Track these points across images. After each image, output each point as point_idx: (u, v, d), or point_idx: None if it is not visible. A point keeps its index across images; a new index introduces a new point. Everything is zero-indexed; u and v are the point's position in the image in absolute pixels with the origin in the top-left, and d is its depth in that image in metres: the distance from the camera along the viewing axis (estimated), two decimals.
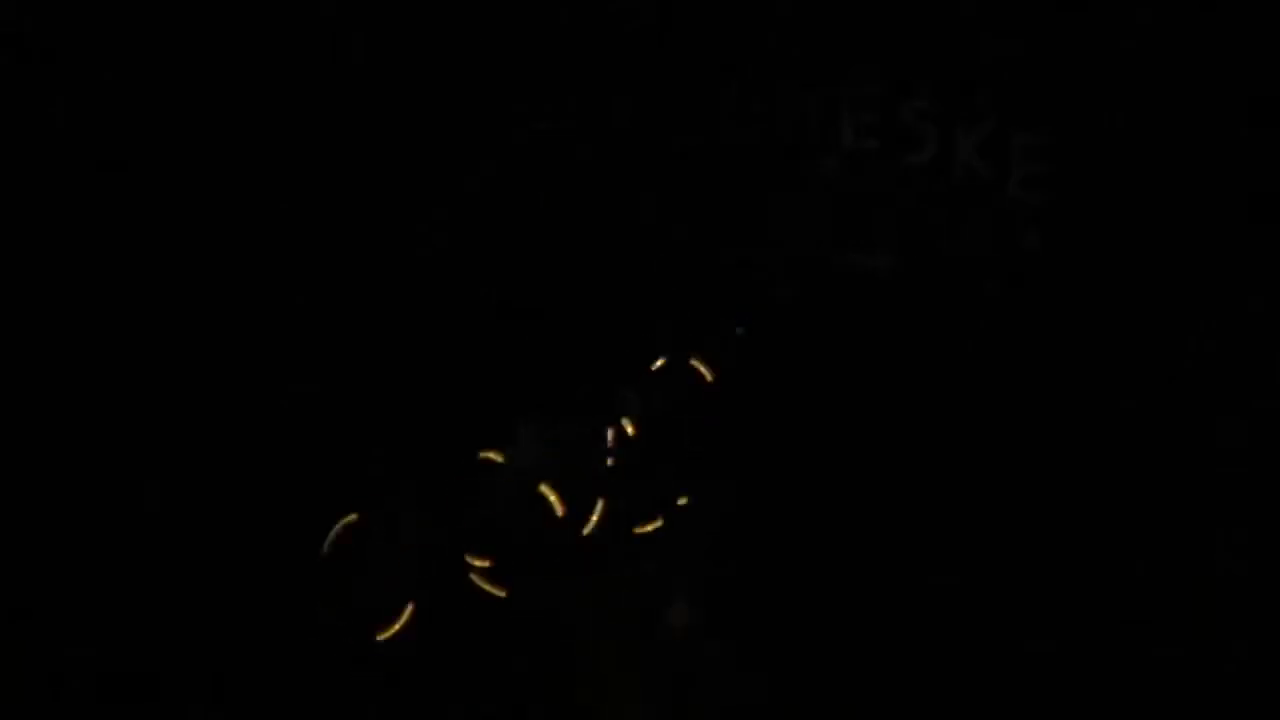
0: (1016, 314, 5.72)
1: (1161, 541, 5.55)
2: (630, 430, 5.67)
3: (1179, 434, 5.63)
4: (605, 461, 5.65)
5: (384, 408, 5.63)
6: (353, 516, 5.47)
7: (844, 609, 5.57)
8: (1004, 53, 5.76)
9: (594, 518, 5.63)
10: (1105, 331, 5.69)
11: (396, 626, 5.43)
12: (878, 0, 5.77)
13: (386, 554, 5.45)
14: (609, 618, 5.62)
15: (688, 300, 5.76)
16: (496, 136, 5.74)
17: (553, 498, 5.59)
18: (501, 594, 5.55)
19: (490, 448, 5.60)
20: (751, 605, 5.71)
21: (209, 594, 5.44)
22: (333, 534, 5.43)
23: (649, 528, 5.64)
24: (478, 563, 5.53)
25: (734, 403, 5.74)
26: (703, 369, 5.74)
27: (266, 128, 5.65)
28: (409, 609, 5.45)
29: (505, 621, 5.53)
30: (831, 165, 5.76)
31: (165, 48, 5.60)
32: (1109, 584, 5.53)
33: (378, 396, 5.63)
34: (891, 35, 5.76)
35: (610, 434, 5.66)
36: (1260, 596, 5.47)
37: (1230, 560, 5.52)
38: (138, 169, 5.59)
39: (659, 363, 5.74)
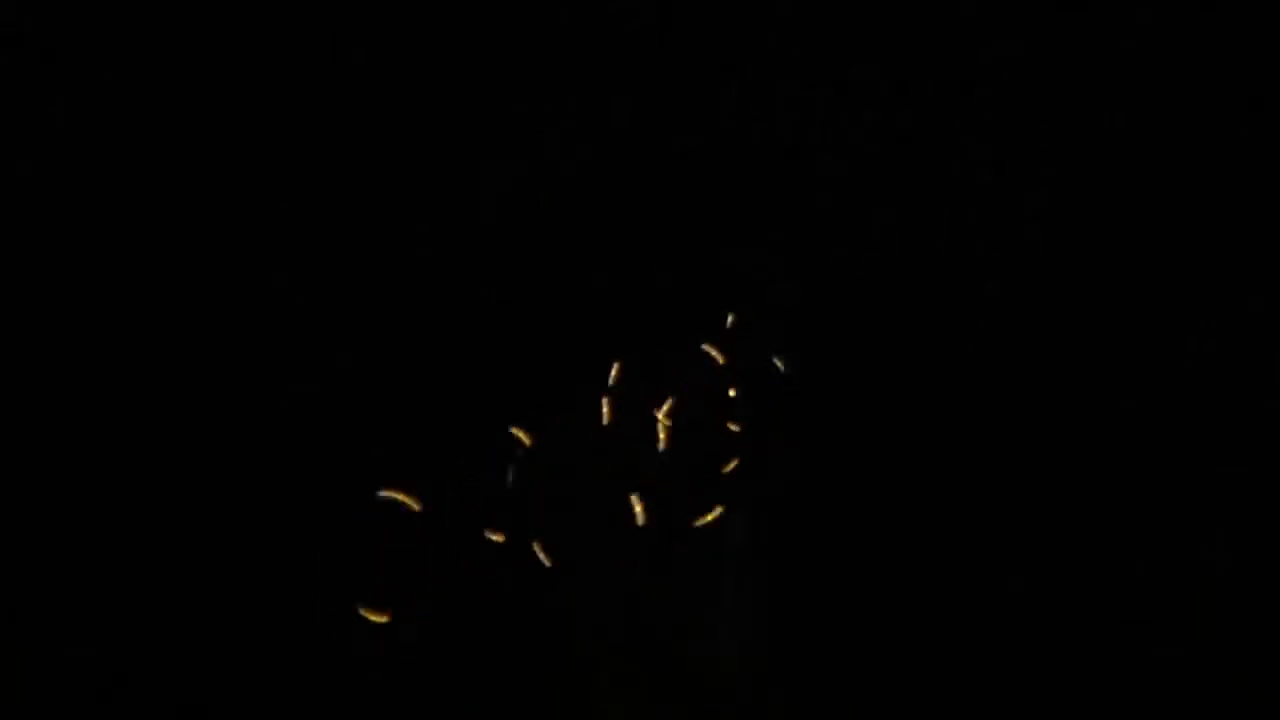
0: (1016, 314, 5.72)
1: (1161, 541, 5.55)
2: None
3: (1179, 434, 5.63)
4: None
5: (384, 407, 5.63)
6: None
7: (842, 605, 5.58)
8: (1004, 53, 5.76)
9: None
10: (1105, 331, 5.69)
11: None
12: (878, 0, 5.78)
13: (391, 550, 5.46)
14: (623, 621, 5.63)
15: (688, 300, 5.76)
16: (496, 136, 5.74)
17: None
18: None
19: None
20: (754, 602, 5.71)
21: (210, 594, 5.44)
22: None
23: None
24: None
25: (735, 403, 5.74)
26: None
27: (265, 128, 5.65)
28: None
29: (517, 620, 5.55)
30: (832, 165, 5.76)
31: (165, 48, 5.61)
32: (1109, 584, 5.53)
33: (378, 396, 5.64)
34: (891, 35, 5.77)
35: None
36: (1260, 596, 5.47)
37: (1230, 560, 5.52)
38: (138, 169, 5.59)
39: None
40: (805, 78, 5.76)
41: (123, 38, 5.57)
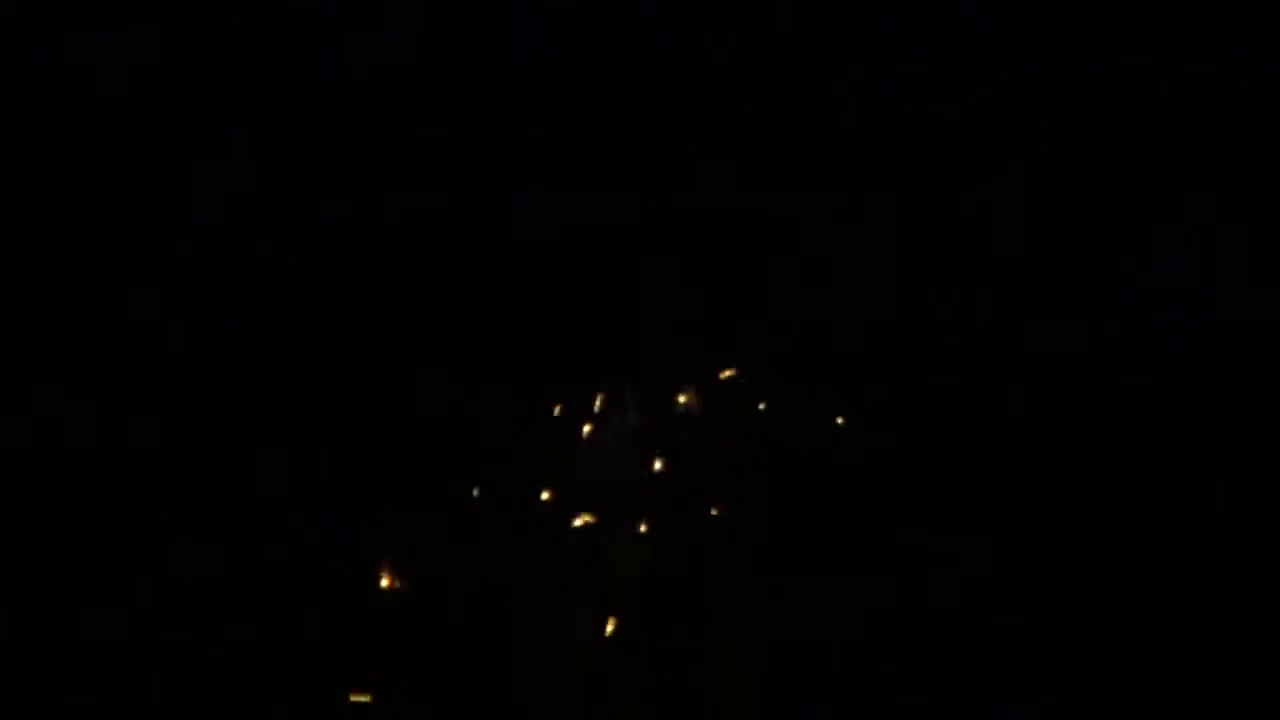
0: (1015, 314, 5.75)
1: (1162, 541, 5.56)
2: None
3: (1177, 434, 5.64)
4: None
5: (381, 410, 5.64)
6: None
7: (839, 601, 5.58)
8: (1003, 55, 5.79)
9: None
10: (1104, 331, 5.71)
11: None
12: (877, 3, 5.80)
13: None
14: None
15: (686, 302, 5.78)
16: (497, 136, 5.76)
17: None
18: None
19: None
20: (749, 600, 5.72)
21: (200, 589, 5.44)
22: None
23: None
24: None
25: (734, 401, 5.76)
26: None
27: (264, 128, 5.66)
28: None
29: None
30: (830, 164, 5.79)
31: (167, 49, 5.62)
32: (1109, 584, 5.54)
33: (375, 397, 5.64)
34: (891, 37, 5.79)
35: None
36: (1260, 596, 5.48)
37: (1230, 560, 5.52)
38: (139, 170, 5.61)
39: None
40: (807, 78, 5.79)
41: (124, 37, 5.59)
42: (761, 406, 5.75)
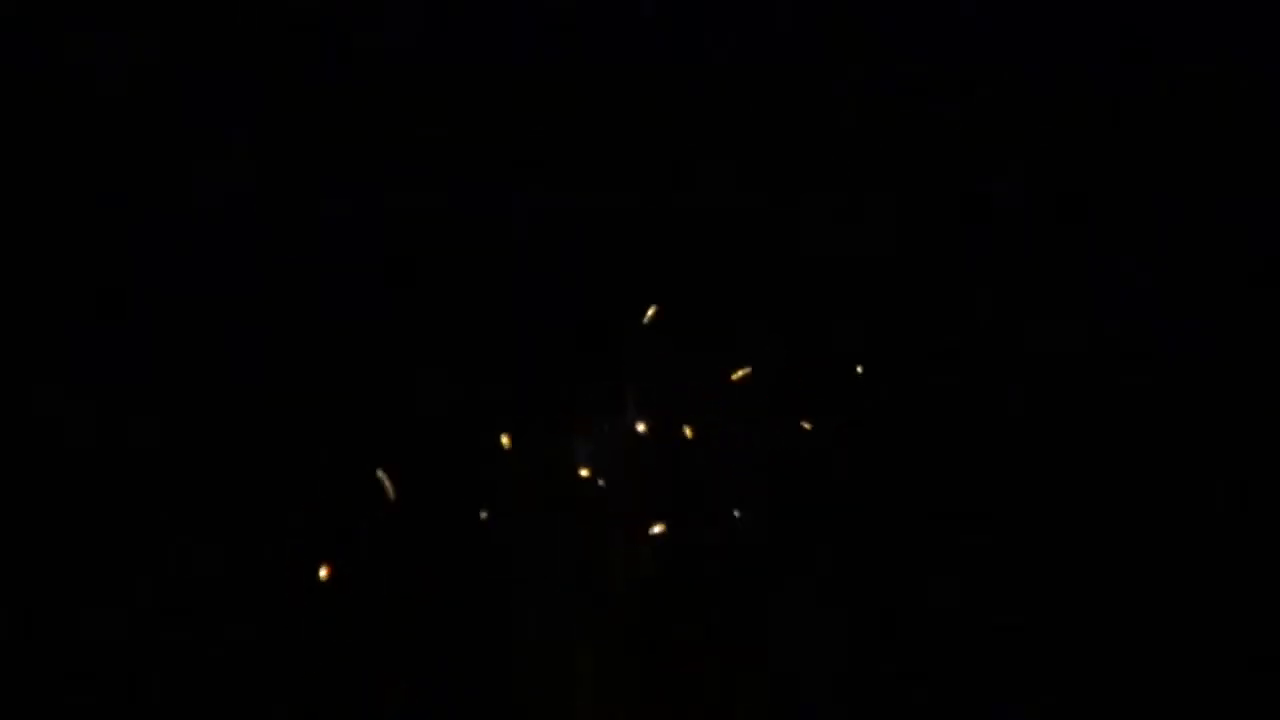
0: (1015, 314, 5.73)
1: (1162, 541, 5.55)
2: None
3: (1177, 434, 5.63)
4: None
5: (379, 415, 5.63)
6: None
7: (840, 602, 5.58)
8: (1003, 55, 5.78)
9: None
10: (1104, 331, 5.70)
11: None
12: (877, 3, 5.79)
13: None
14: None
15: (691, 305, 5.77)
16: (498, 139, 5.74)
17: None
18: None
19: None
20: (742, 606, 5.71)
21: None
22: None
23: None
24: None
25: (729, 402, 5.75)
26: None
27: (266, 127, 5.65)
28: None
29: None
30: (830, 164, 5.77)
31: (167, 49, 5.61)
32: (1109, 583, 5.53)
33: (379, 401, 5.63)
34: (891, 37, 5.78)
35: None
36: (1260, 596, 5.47)
37: (1230, 560, 5.52)
38: (139, 170, 5.60)
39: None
40: (807, 78, 5.77)
41: (125, 37, 5.58)
42: (761, 407, 5.74)
